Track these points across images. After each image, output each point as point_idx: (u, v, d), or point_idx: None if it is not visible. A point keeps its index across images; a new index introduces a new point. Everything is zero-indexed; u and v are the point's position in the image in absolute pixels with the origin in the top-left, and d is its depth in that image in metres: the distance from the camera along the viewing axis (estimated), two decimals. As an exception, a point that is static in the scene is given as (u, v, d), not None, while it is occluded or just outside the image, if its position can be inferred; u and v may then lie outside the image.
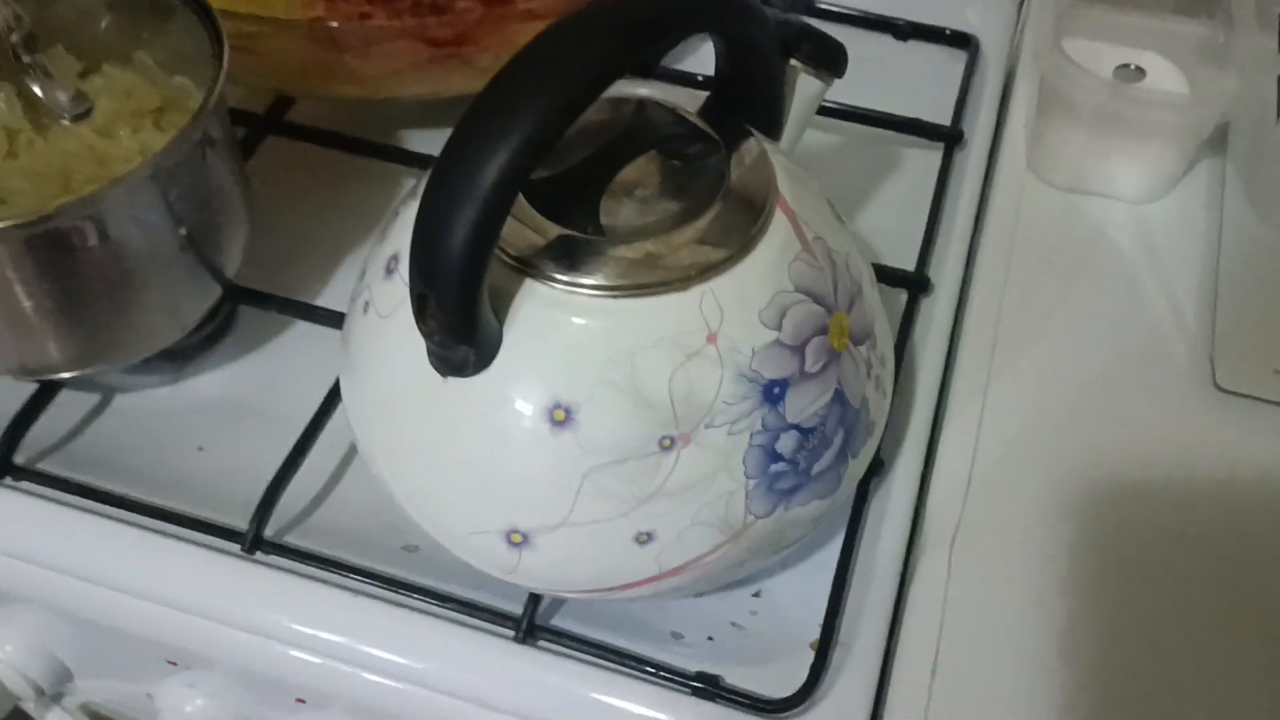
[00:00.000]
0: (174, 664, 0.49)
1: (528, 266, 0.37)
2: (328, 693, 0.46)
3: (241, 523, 0.47)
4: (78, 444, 0.51)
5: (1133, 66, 0.59)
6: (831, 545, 0.47)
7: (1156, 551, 0.47)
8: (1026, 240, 0.57)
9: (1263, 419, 0.50)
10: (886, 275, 0.55)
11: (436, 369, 0.37)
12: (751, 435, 0.37)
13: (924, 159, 0.61)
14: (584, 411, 0.36)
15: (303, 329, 0.55)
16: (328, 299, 0.56)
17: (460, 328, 0.35)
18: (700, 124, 0.41)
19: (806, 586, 0.47)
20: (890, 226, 0.58)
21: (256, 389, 0.53)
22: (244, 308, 0.55)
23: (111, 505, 0.48)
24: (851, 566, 0.46)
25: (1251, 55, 0.54)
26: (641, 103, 0.42)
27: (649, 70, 0.39)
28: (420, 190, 0.40)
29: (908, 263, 0.56)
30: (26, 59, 0.44)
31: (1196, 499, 0.48)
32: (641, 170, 0.40)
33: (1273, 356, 0.48)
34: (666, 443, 0.37)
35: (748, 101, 0.42)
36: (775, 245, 0.38)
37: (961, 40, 0.67)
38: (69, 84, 0.45)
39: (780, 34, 0.42)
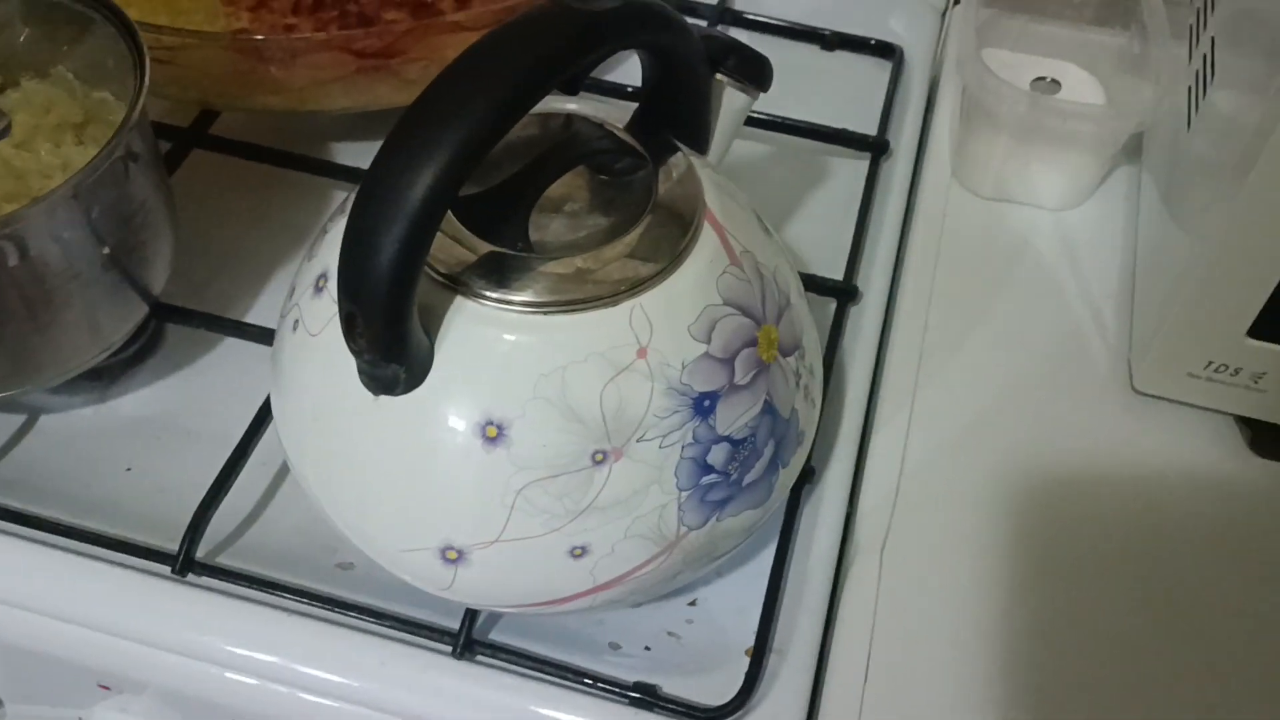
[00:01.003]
0: (106, 688, 0.48)
1: (457, 283, 0.37)
2: (265, 715, 0.46)
3: (172, 544, 0.46)
4: (2, 467, 0.50)
5: (1049, 79, 0.60)
6: (765, 553, 0.48)
7: (1081, 550, 0.48)
8: (952, 248, 0.58)
9: (1177, 420, 0.52)
10: (815, 284, 0.55)
11: (367, 387, 0.37)
12: (683, 448, 0.38)
13: (851, 168, 0.62)
14: (516, 428, 0.37)
15: (231, 345, 0.54)
16: (256, 315, 0.55)
17: (390, 346, 0.35)
18: (628, 139, 0.42)
19: (741, 594, 0.47)
20: (818, 236, 0.59)
21: (185, 407, 0.53)
22: (170, 325, 0.54)
23: (39, 529, 0.47)
24: (785, 574, 0.47)
25: (1165, 66, 0.56)
26: (569, 118, 0.42)
27: (575, 85, 0.39)
28: (349, 207, 0.40)
29: (836, 272, 0.57)
30: (-57, 77, 0.43)
31: (1116, 498, 0.50)
32: (570, 185, 0.40)
33: (1186, 360, 0.49)
34: (599, 457, 0.37)
35: (675, 116, 0.42)
36: (704, 259, 0.39)
37: (886, 50, 0.68)
38: (-11, 103, 0.44)
39: (706, 48, 0.42)
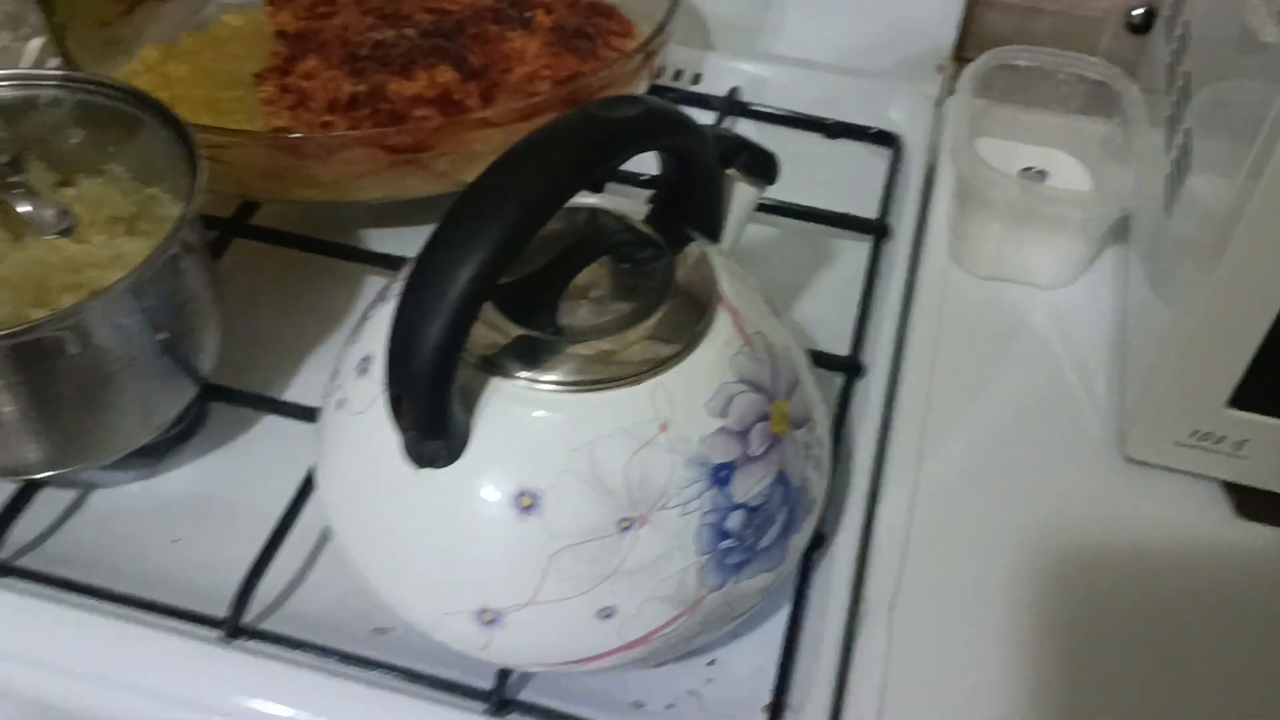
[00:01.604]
0: (155, 752, 0.50)
1: (493, 366, 0.40)
2: (306, 774, 0.48)
3: (219, 611, 0.49)
4: (56, 541, 0.53)
5: (1035, 169, 0.64)
6: (779, 615, 0.50)
7: (1078, 610, 0.51)
8: (951, 324, 0.61)
9: (1167, 486, 0.55)
10: (823, 360, 0.58)
11: (411, 462, 0.40)
12: (702, 515, 0.41)
13: (854, 250, 0.66)
14: (548, 498, 0.40)
15: (272, 423, 0.57)
16: (296, 393, 0.58)
17: (432, 424, 0.38)
18: (647, 230, 0.45)
19: (758, 654, 0.49)
20: (825, 314, 0.62)
21: (228, 482, 0.56)
22: (215, 404, 0.57)
23: (92, 597, 0.50)
24: (799, 634, 0.49)
25: (1146, 153, 0.60)
26: (593, 212, 0.46)
27: (600, 184, 0.43)
28: (390, 295, 0.43)
29: (842, 347, 0.60)
30: (13, 179, 0.47)
31: (1111, 559, 0.52)
32: (595, 274, 0.44)
33: (1173, 429, 0.52)
34: (625, 524, 0.40)
35: (690, 208, 0.46)
36: (719, 340, 0.42)
37: (885, 139, 0.72)
38: (53, 201, 0.48)
39: (718, 147, 0.46)
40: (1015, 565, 0.52)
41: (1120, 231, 0.65)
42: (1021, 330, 0.62)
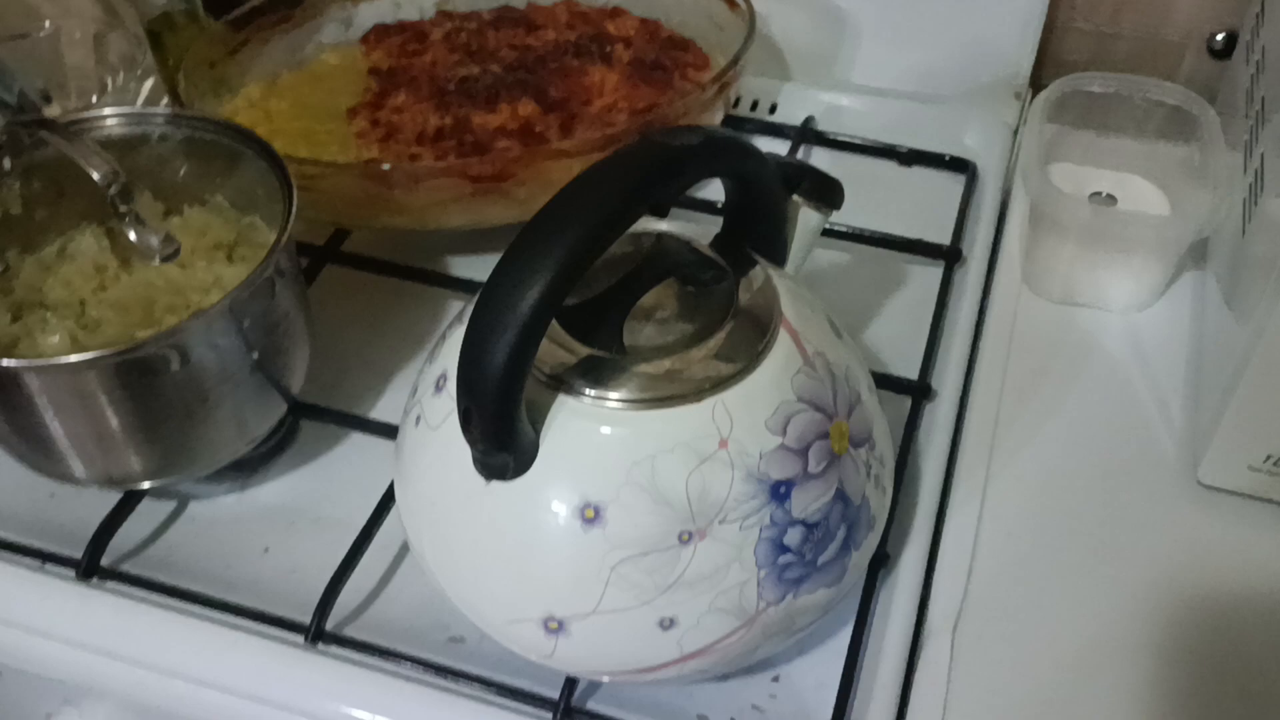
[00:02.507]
0: (241, 750, 0.53)
1: (560, 383, 0.42)
2: (382, 775, 0.50)
3: (304, 617, 0.51)
4: (156, 548, 0.56)
5: (1104, 194, 0.64)
6: (843, 632, 0.51)
7: (1148, 635, 0.50)
8: (1022, 349, 0.62)
9: (1240, 512, 0.54)
10: (891, 383, 0.59)
11: (480, 474, 0.42)
12: (761, 529, 0.42)
13: (926, 275, 0.66)
14: (611, 510, 0.41)
15: (358, 440, 0.60)
16: (380, 412, 0.61)
17: (501, 437, 0.40)
18: (711, 254, 0.47)
19: (821, 670, 0.50)
20: (895, 338, 0.63)
21: (316, 495, 0.58)
22: (304, 421, 0.60)
23: (187, 601, 0.52)
24: (862, 652, 0.50)
25: (1223, 175, 0.59)
26: (659, 236, 0.47)
27: (664, 209, 0.44)
28: (466, 316, 0.45)
29: (911, 371, 0.60)
30: (123, 208, 0.50)
31: (1182, 584, 0.52)
32: (660, 296, 0.45)
33: (1247, 454, 0.52)
34: (685, 537, 0.41)
35: (754, 232, 0.47)
36: (779, 360, 0.43)
37: (960, 165, 0.72)
38: (159, 229, 0.51)
39: (782, 173, 0.48)
40: (1082, 590, 0.52)
41: (1198, 256, 0.64)
42: (1094, 354, 0.61)
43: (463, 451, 0.42)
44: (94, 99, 0.70)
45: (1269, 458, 0.51)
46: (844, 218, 0.62)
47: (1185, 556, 0.53)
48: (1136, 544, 0.53)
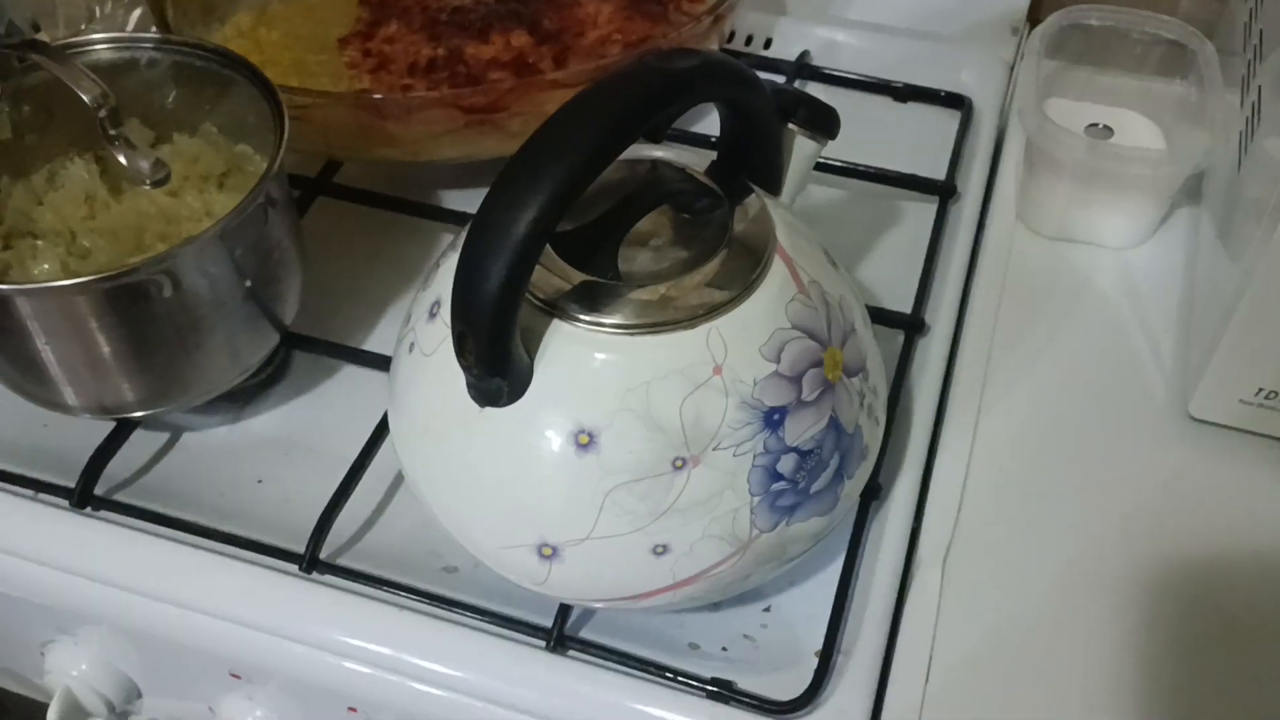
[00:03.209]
0: (237, 677, 0.53)
1: (555, 308, 0.42)
2: (376, 702, 0.50)
3: (298, 546, 0.51)
4: (149, 478, 0.56)
5: (1101, 125, 0.64)
6: (834, 563, 0.51)
7: (1134, 566, 0.51)
8: (1016, 285, 0.62)
9: (1231, 445, 0.54)
10: (885, 318, 0.59)
11: (474, 400, 0.42)
12: (754, 457, 0.42)
13: (921, 211, 0.66)
14: (605, 436, 0.41)
15: (350, 371, 0.60)
16: (373, 343, 0.61)
17: (495, 362, 0.40)
18: (707, 181, 0.46)
19: (812, 601, 0.51)
20: (889, 273, 0.63)
21: (309, 426, 0.58)
22: (297, 352, 0.60)
23: (182, 531, 0.53)
24: (852, 582, 0.51)
25: (1220, 113, 0.59)
26: (654, 163, 0.47)
27: (659, 134, 0.44)
28: (460, 243, 0.45)
29: (905, 306, 0.60)
30: (113, 131, 0.50)
31: (1172, 518, 0.52)
32: (655, 223, 0.45)
33: (1238, 387, 0.52)
34: (678, 463, 0.41)
35: (749, 161, 0.47)
36: (774, 288, 0.43)
37: (955, 101, 0.72)
38: (149, 153, 0.50)
39: (778, 100, 0.47)
40: (1071, 522, 0.52)
41: (1193, 194, 0.64)
42: (1088, 290, 0.61)
43: (457, 378, 0.42)
44: (82, 27, 0.69)
45: (1260, 390, 0.52)
46: (839, 153, 0.61)
47: (1175, 490, 0.53)
48: (1126, 477, 0.54)
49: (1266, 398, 0.52)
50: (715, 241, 0.44)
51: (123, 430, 0.56)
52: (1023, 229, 0.64)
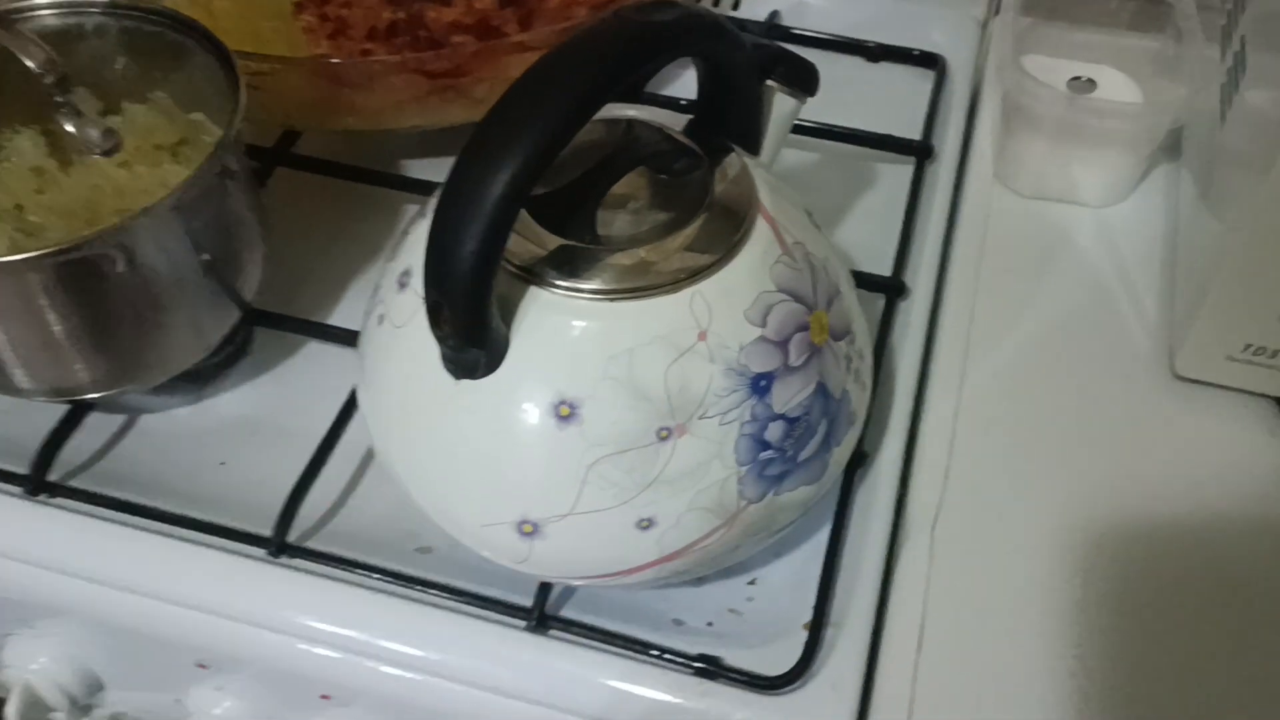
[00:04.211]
0: (204, 667, 0.51)
1: (532, 275, 0.40)
2: (351, 687, 0.49)
3: (265, 530, 0.49)
4: (107, 462, 0.54)
5: (1084, 79, 0.63)
6: (821, 533, 0.50)
7: (1123, 527, 0.50)
8: (995, 245, 0.61)
9: (1217, 403, 0.54)
10: (865, 281, 0.58)
11: (450, 372, 0.40)
12: (741, 425, 0.41)
13: (897, 172, 0.65)
14: (587, 407, 0.40)
15: (315, 347, 0.58)
16: (338, 318, 0.59)
17: (471, 332, 0.39)
18: (685, 141, 0.45)
19: (799, 573, 0.50)
20: (868, 236, 0.62)
21: (273, 405, 0.56)
22: (259, 329, 0.58)
23: (143, 517, 0.51)
24: (840, 553, 0.49)
25: (1199, 66, 0.58)
26: (631, 123, 0.45)
27: (637, 94, 0.42)
28: (429, 211, 0.43)
29: (885, 269, 0.59)
30: (60, 99, 0.47)
31: (1159, 477, 0.52)
32: (633, 185, 0.43)
33: (1224, 344, 0.51)
34: (664, 433, 0.40)
35: (728, 119, 0.46)
36: (758, 250, 0.42)
37: (929, 60, 0.71)
38: (99, 121, 0.48)
39: (756, 57, 0.46)
40: (1059, 485, 0.52)
41: (1171, 150, 0.63)
42: (1068, 249, 0.61)
43: (430, 350, 0.40)
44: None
45: (1248, 346, 0.51)
46: (812, 114, 0.60)
47: (1163, 448, 0.53)
48: (1114, 437, 0.53)
49: (1255, 354, 0.51)
50: (696, 203, 0.42)
51: (77, 413, 0.54)
52: (1001, 188, 0.63)
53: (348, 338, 0.56)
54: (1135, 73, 0.64)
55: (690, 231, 0.41)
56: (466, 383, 0.40)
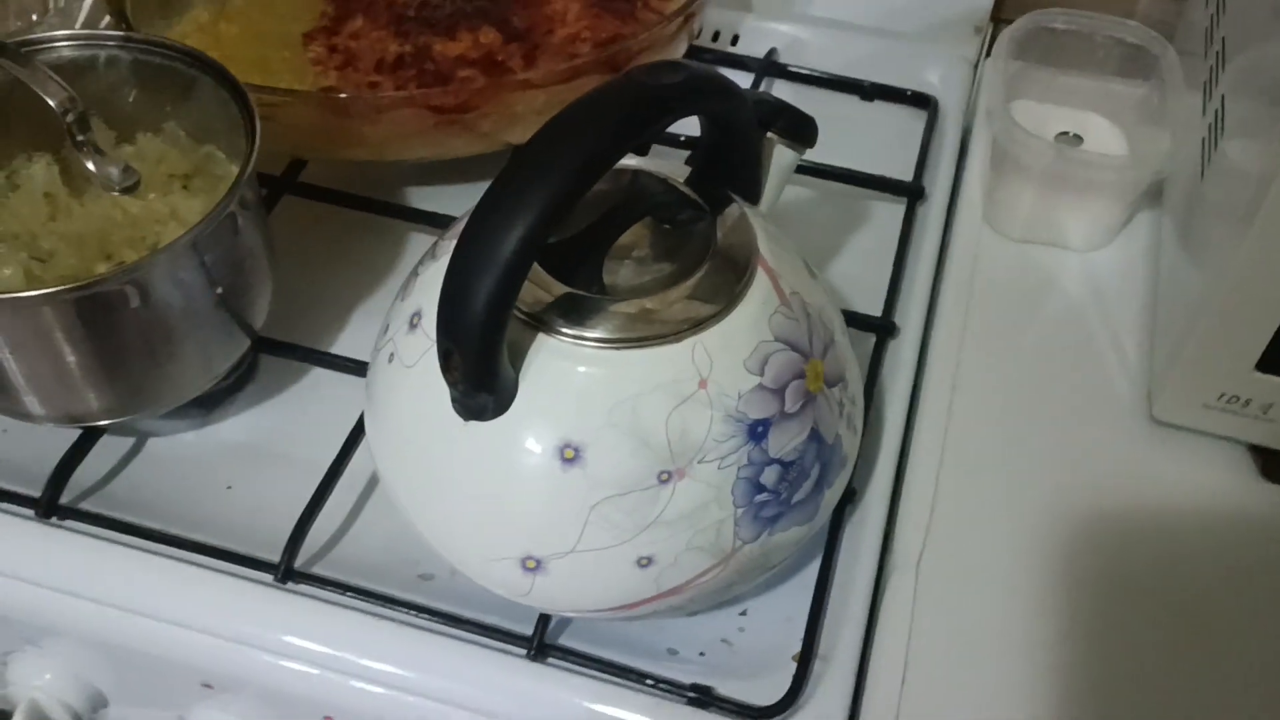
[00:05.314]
0: (209, 687, 0.53)
1: (539, 322, 0.42)
2: (355, 712, 0.50)
3: (270, 555, 0.51)
4: (116, 485, 0.55)
5: (1071, 134, 0.65)
6: (810, 568, 0.52)
7: (1102, 568, 0.52)
8: (983, 287, 0.62)
9: (1193, 448, 0.56)
10: (856, 320, 0.60)
11: (459, 414, 0.42)
12: (739, 469, 0.42)
13: (889, 212, 0.67)
14: (591, 450, 0.41)
15: (320, 375, 0.59)
16: (342, 346, 0.60)
17: (481, 378, 0.40)
18: (688, 192, 0.46)
19: (789, 606, 0.51)
20: (859, 275, 0.64)
21: (279, 432, 0.58)
22: (265, 356, 0.59)
23: (152, 540, 0.52)
24: (829, 587, 0.51)
25: (1182, 116, 0.60)
26: (636, 174, 0.47)
27: (644, 148, 0.44)
28: (440, 254, 0.45)
29: (875, 308, 0.61)
30: (80, 137, 0.48)
31: (1136, 519, 0.53)
32: (638, 235, 0.45)
33: (1201, 392, 0.53)
34: (664, 476, 0.41)
35: (730, 171, 0.47)
36: (757, 301, 0.43)
37: (922, 101, 0.72)
38: (118, 159, 0.49)
39: (758, 110, 0.47)
40: (1040, 524, 0.53)
41: (1154, 196, 0.65)
42: (1053, 293, 0.62)
43: (440, 390, 0.41)
44: (34, 18, 0.67)
45: (1222, 395, 0.53)
46: (807, 152, 0.61)
47: (1141, 491, 0.54)
48: (1092, 480, 0.55)
49: (1229, 402, 0.53)
50: (698, 254, 0.44)
51: (88, 437, 0.55)
52: (989, 231, 0.65)
53: (353, 366, 0.57)
54: (1121, 120, 0.66)
55: (693, 282, 0.43)
56: (475, 425, 0.42)
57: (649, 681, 0.48)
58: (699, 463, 0.42)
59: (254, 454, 0.57)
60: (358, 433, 0.54)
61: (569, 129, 0.39)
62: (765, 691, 0.48)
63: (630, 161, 0.47)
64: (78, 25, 0.69)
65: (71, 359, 0.49)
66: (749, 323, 0.43)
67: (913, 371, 0.59)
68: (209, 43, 0.67)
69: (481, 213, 0.38)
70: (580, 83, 0.60)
